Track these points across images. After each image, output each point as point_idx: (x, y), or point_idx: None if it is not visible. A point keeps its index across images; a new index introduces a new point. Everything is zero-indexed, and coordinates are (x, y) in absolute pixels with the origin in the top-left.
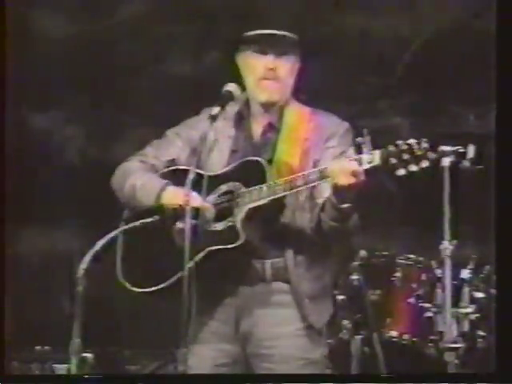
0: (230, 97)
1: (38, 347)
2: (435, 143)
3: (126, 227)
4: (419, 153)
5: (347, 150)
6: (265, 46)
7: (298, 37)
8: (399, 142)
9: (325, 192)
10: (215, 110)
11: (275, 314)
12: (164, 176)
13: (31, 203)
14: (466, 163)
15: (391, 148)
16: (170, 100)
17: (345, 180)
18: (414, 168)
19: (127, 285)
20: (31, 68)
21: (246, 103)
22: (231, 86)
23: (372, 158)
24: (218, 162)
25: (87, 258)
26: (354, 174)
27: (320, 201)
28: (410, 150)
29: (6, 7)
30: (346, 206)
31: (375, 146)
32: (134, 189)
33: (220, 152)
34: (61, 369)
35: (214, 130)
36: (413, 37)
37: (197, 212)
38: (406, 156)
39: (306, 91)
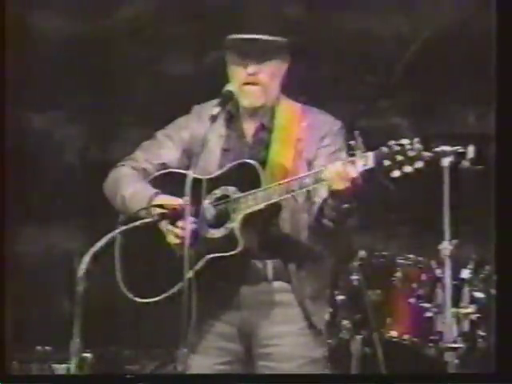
0: (230, 97)
1: (38, 347)
2: (428, 142)
3: (126, 227)
4: (413, 154)
5: (341, 149)
6: (246, 50)
7: (286, 38)
8: (391, 143)
9: (321, 192)
10: (215, 110)
11: (277, 313)
12: (156, 180)
13: (31, 203)
14: (465, 163)
15: (384, 149)
16: (170, 100)
17: (341, 185)
18: (408, 169)
19: (129, 295)
20: (31, 68)
21: (236, 103)
22: (231, 86)
23: (366, 160)
24: (209, 162)
25: (87, 258)
26: (350, 178)
27: (317, 200)
28: (403, 150)
29: (5, 7)
30: (344, 206)
31: (367, 148)
32: (124, 200)
33: (211, 151)
34: (61, 369)
35: (205, 128)
36: (413, 37)
37: (196, 213)
38: (399, 157)
39: (306, 91)
